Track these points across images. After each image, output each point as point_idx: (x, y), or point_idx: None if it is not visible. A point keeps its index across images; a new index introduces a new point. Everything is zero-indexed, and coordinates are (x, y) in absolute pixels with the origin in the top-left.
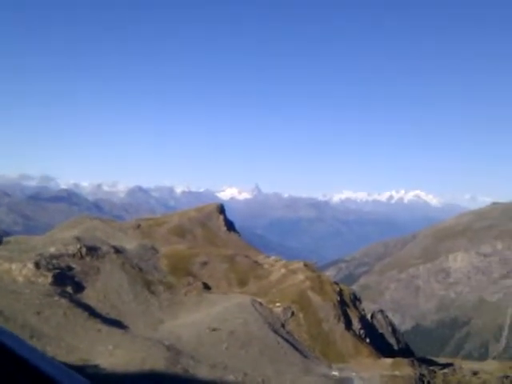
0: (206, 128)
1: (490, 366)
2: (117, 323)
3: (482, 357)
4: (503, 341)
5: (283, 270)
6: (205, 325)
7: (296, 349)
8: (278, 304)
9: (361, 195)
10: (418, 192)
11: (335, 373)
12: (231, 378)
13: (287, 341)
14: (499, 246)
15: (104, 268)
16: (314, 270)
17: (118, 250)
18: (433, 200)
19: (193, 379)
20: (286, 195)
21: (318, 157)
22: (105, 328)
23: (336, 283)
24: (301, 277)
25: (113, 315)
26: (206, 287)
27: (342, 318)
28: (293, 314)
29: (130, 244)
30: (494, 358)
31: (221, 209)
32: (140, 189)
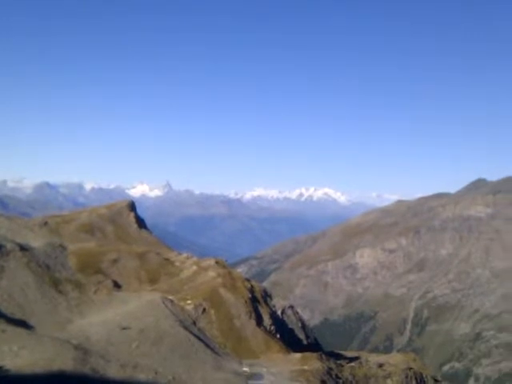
0: (115, 123)
1: (395, 359)
2: (22, 323)
3: (387, 349)
4: (407, 334)
5: (195, 268)
6: (115, 323)
7: (207, 346)
8: (189, 301)
9: (272, 193)
10: (326, 190)
11: (246, 369)
12: (142, 376)
13: (198, 338)
14: (403, 241)
15: (8, 266)
16: (225, 267)
17: (23, 248)
18: (341, 198)
19: (102, 379)
20: (197, 192)
21: (231, 154)
22: (9, 328)
23: (247, 280)
24: (212, 274)
25: (18, 315)
26: (116, 285)
27: (253, 315)
28: (204, 310)
29: (37, 242)
30: (398, 351)
31: (131, 206)
32: (47, 185)
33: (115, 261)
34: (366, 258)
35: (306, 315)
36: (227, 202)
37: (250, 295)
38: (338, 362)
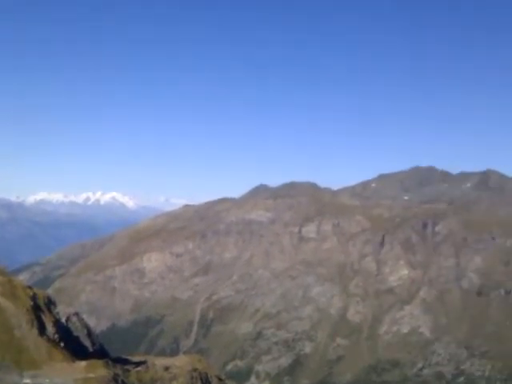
0: None
1: (181, 361)
2: None
3: (174, 352)
4: (193, 336)
5: None
6: None
7: None
8: None
9: (57, 196)
10: (114, 194)
11: (27, 381)
12: None
13: None
14: (190, 245)
15: None
16: (4, 274)
17: None
18: (129, 202)
19: None
20: None
21: (10, 156)
22: None
23: (29, 287)
24: None
25: None
26: None
27: (35, 324)
28: None
29: None
30: (184, 353)
31: None
32: None
33: None
34: (153, 262)
35: (92, 322)
36: (8, 205)
37: (31, 303)
38: (125, 367)
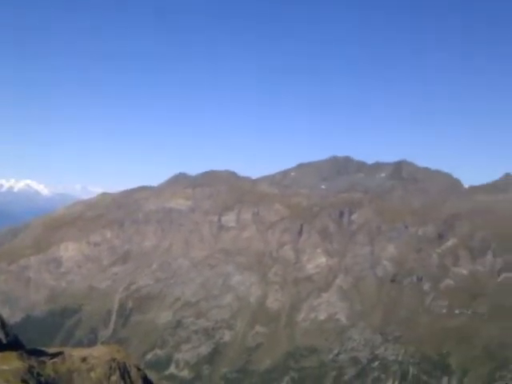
0: None
1: (99, 351)
2: None
3: (92, 343)
4: (111, 326)
5: None
6: None
7: None
8: None
9: None
10: (28, 181)
11: None
12: None
13: None
14: (108, 234)
15: None
16: None
17: None
18: (44, 190)
19: None
20: None
21: None
22: None
23: None
24: None
25: None
26: None
27: None
28: None
29: None
30: (102, 343)
31: None
32: None
33: None
34: (70, 251)
35: (5, 313)
36: None
37: None
38: (40, 359)
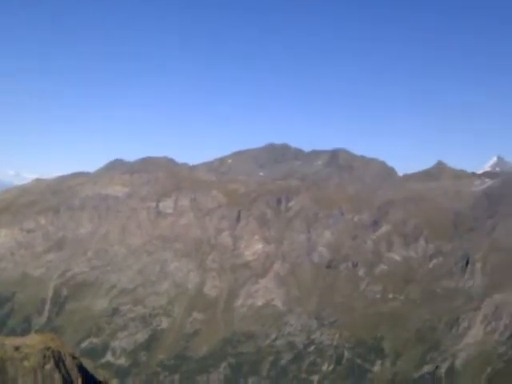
0: None
1: (32, 340)
2: None
3: (25, 332)
4: (46, 314)
5: None
6: None
7: None
8: None
9: None
10: None
11: None
12: None
13: None
14: (43, 221)
15: None
16: None
17: None
18: None
19: None
20: None
21: None
22: None
23: None
24: None
25: None
26: None
27: None
28: None
29: None
30: (36, 332)
31: None
32: None
33: None
34: (2, 238)
35: None
36: None
37: None
38: None
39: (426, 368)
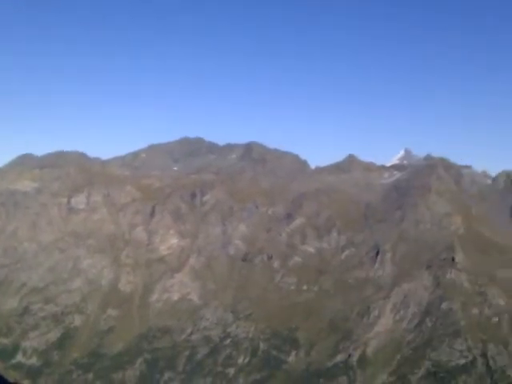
0: None
1: None
2: None
3: None
4: None
5: None
6: None
7: None
8: None
9: None
10: None
11: None
12: None
13: None
14: None
15: None
16: None
17: None
18: None
19: None
20: None
21: None
22: None
23: None
24: None
25: None
26: None
27: None
28: None
29: None
30: None
31: None
32: None
33: None
34: None
35: None
36: None
37: None
38: None
39: (339, 357)
